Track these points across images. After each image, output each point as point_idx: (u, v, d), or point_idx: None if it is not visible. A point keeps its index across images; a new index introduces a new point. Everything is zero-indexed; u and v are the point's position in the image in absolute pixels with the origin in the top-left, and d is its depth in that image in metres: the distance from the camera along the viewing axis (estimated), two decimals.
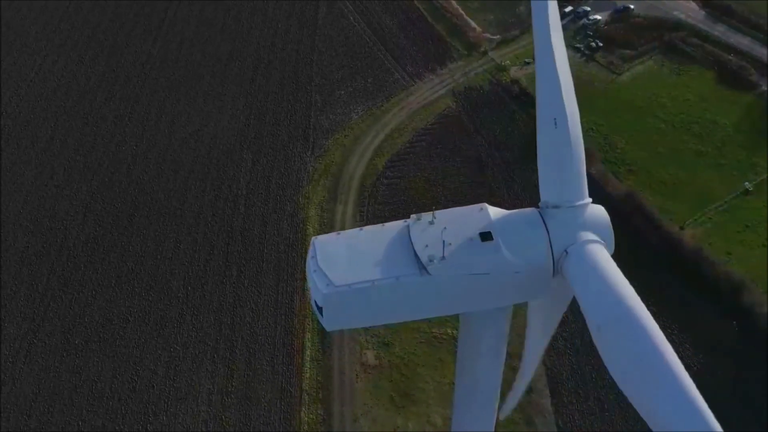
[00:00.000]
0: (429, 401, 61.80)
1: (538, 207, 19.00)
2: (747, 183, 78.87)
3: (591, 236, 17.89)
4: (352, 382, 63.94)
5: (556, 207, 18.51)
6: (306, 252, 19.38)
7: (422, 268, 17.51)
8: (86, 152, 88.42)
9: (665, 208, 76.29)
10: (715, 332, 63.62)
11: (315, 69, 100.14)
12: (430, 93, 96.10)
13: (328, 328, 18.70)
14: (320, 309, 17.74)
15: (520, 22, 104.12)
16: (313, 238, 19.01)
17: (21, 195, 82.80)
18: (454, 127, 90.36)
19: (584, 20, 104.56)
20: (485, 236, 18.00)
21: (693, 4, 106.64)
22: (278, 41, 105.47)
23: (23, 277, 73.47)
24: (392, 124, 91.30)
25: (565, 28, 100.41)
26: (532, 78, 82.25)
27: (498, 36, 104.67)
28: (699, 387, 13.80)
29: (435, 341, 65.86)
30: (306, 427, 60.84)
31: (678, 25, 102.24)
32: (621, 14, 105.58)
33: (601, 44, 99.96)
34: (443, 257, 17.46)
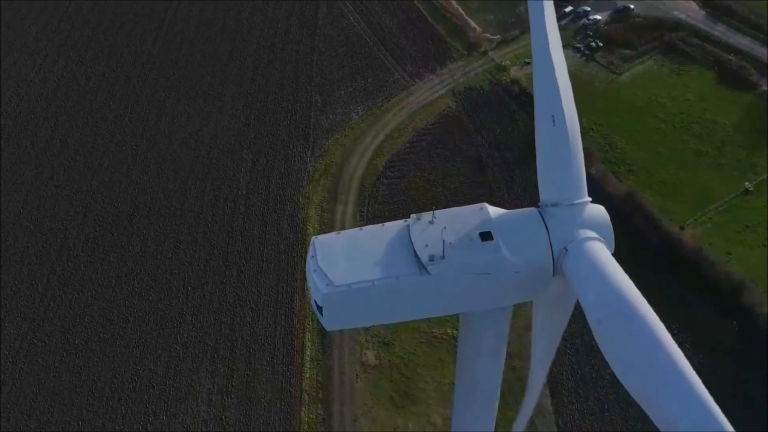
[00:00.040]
0: (429, 401, 61.79)
1: (538, 207, 19.02)
2: (747, 183, 78.86)
3: (590, 233, 17.89)
4: (352, 382, 63.93)
5: (555, 205, 18.53)
6: (306, 252, 19.38)
7: (422, 267, 17.53)
8: (86, 152, 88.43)
9: (665, 208, 76.28)
10: (715, 332, 63.59)
11: (315, 69, 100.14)
12: (430, 93, 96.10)
13: (328, 328, 18.73)
14: (320, 309, 17.76)
15: (520, 22, 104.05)
16: (313, 237, 19.04)
17: (21, 195, 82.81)
18: (454, 127, 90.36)
19: (584, 20, 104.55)
20: (485, 236, 18.01)
21: (693, 4, 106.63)
22: (278, 41, 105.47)
23: (23, 277, 73.46)
24: (392, 124, 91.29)
25: (565, 28, 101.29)
26: (532, 78, 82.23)
27: (498, 36, 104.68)
28: None
29: (435, 341, 65.85)
30: (306, 427, 60.83)
31: (678, 25, 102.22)
32: (621, 14, 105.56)
33: (601, 44, 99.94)
34: (443, 257, 17.47)
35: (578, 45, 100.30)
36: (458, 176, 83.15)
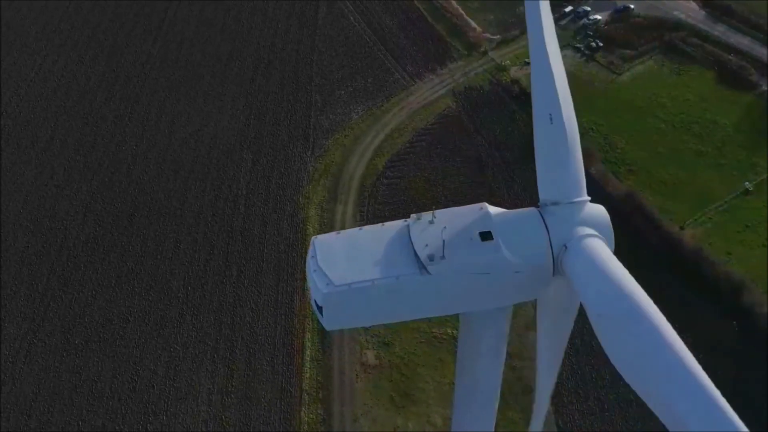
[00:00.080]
0: (429, 401, 61.79)
1: (538, 206, 19.02)
2: (747, 183, 78.87)
3: (589, 231, 17.88)
4: (352, 382, 63.93)
5: (555, 204, 18.53)
6: (306, 252, 19.38)
7: (422, 267, 17.52)
8: (86, 152, 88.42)
9: (665, 208, 76.28)
10: (715, 332, 63.55)
11: (315, 69, 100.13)
12: (430, 93, 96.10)
13: (328, 328, 18.73)
14: (320, 308, 17.76)
15: (520, 22, 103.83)
16: (313, 237, 19.05)
17: (21, 195, 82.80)
18: (454, 127, 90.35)
19: (584, 20, 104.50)
20: (485, 236, 18.00)
21: (693, 4, 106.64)
22: (278, 41, 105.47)
23: (23, 277, 73.45)
24: (392, 124, 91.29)
25: (565, 28, 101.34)
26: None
27: (498, 36, 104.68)
28: None
29: (435, 341, 65.85)
30: (306, 427, 60.83)
31: (678, 25, 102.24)
32: (621, 14, 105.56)
33: (601, 44, 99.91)
34: (443, 257, 17.45)
35: (578, 45, 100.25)
36: (458, 176, 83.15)
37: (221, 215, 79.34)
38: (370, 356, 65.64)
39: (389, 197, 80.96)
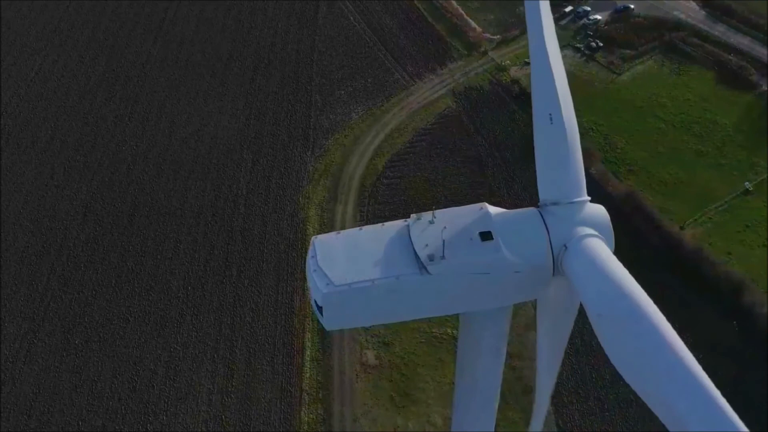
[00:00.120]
0: (429, 401, 61.78)
1: (538, 207, 19.02)
2: (747, 183, 78.88)
3: (589, 230, 17.88)
4: (352, 382, 63.93)
5: (555, 204, 18.54)
6: (306, 252, 19.37)
7: (422, 267, 17.51)
8: (86, 152, 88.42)
9: (665, 208, 76.29)
10: (715, 332, 63.56)
11: (315, 69, 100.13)
12: (430, 93, 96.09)
13: (327, 328, 18.72)
14: (320, 308, 17.75)
15: (520, 22, 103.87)
16: (312, 237, 19.04)
17: (21, 195, 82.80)
18: (454, 127, 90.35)
19: (584, 20, 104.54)
20: (485, 236, 17.99)
21: (693, 4, 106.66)
22: (278, 41, 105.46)
23: (23, 277, 73.45)
24: (392, 124, 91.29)
25: (565, 27, 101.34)
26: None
27: (498, 36, 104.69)
28: None
29: (435, 341, 65.84)
30: (306, 427, 60.83)
31: (678, 25, 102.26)
32: (621, 14, 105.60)
33: (601, 44, 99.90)
34: (443, 257, 17.45)
35: (578, 45, 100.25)
36: (458, 176, 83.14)
37: (221, 215, 79.34)
38: (370, 356, 65.64)
39: (389, 197, 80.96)
